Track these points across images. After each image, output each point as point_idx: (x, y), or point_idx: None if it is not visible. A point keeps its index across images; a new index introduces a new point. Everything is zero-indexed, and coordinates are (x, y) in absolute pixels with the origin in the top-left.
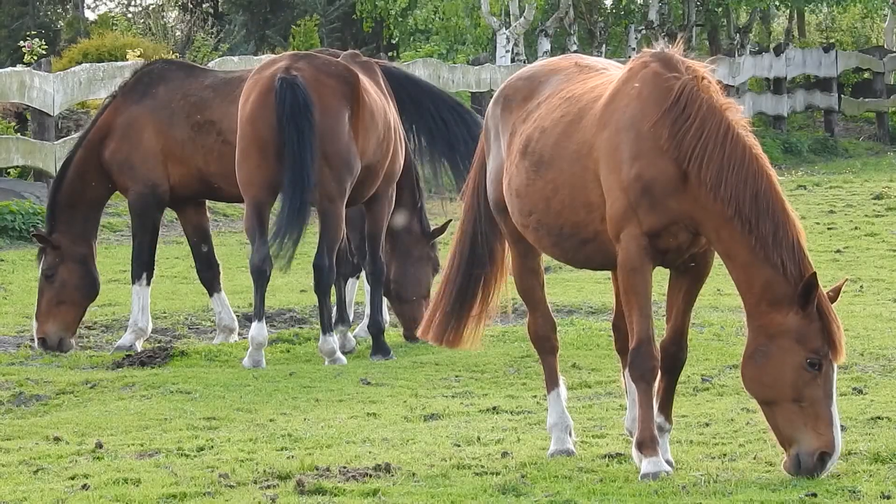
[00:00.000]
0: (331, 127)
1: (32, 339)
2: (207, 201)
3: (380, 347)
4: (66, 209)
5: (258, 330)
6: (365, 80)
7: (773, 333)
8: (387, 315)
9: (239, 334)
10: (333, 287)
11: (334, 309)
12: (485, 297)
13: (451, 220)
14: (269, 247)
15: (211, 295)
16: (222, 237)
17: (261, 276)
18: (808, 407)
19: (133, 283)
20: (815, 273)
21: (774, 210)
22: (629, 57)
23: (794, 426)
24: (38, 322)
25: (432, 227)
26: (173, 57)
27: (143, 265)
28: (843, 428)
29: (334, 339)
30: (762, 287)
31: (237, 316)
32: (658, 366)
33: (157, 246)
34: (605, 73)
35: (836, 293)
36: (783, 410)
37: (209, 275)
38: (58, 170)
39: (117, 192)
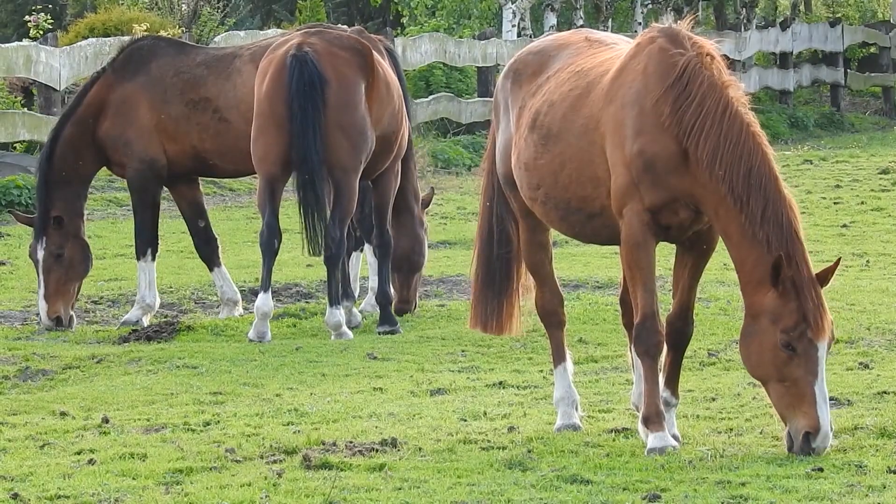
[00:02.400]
0: (347, 98)
1: (41, 321)
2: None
3: (387, 318)
4: (63, 186)
5: (264, 301)
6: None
7: (756, 313)
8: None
9: (244, 308)
10: None
11: None
12: (513, 277)
13: (433, 189)
14: (278, 221)
15: (211, 270)
16: (228, 212)
17: (269, 249)
18: (792, 387)
19: (138, 259)
20: (780, 255)
21: (766, 187)
22: (635, 32)
23: (782, 405)
24: (49, 301)
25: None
26: (179, 32)
27: (146, 241)
28: (848, 403)
29: (341, 313)
30: (752, 266)
31: (244, 291)
32: (662, 340)
33: (163, 221)
34: (615, 48)
35: (826, 274)
36: (772, 389)
37: (208, 250)
38: (44, 147)
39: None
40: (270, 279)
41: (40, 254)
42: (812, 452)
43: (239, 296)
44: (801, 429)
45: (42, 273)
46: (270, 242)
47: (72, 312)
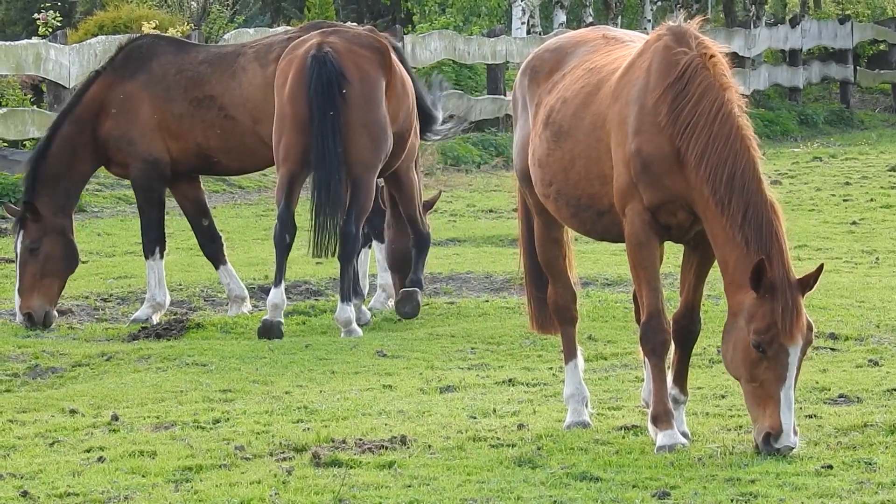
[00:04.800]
0: (369, 96)
1: (13, 315)
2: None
3: (409, 298)
4: (50, 182)
5: (275, 294)
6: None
7: (735, 312)
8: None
9: (253, 305)
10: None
11: None
12: None
13: (441, 191)
14: (293, 216)
15: (217, 268)
16: (238, 209)
17: (281, 243)
18: (759, 388)
19: (146, 258)
20: (762, 259)
21: (749, 190)
22: (644, 29)
23: (750, 404)
24: (23, 297)
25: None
26: (188, 29)
27: (153, 240)
28: (858, 400)
29: (351, 309)
30: (733, 268)
31: (253, 288)
32: (669, 339)
33: (171, 218)
34: (630, 46)
35: (809, 280)
36: (744, 388)
37: (213, 247)
38: (39, 143)
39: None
40: (283, 274)
41: (18, 247)
42: (775, 453)
43: (246, 292)
44: (762, 430)
45: (18, 266)
46: (282, 237)
47: (49, 309)
